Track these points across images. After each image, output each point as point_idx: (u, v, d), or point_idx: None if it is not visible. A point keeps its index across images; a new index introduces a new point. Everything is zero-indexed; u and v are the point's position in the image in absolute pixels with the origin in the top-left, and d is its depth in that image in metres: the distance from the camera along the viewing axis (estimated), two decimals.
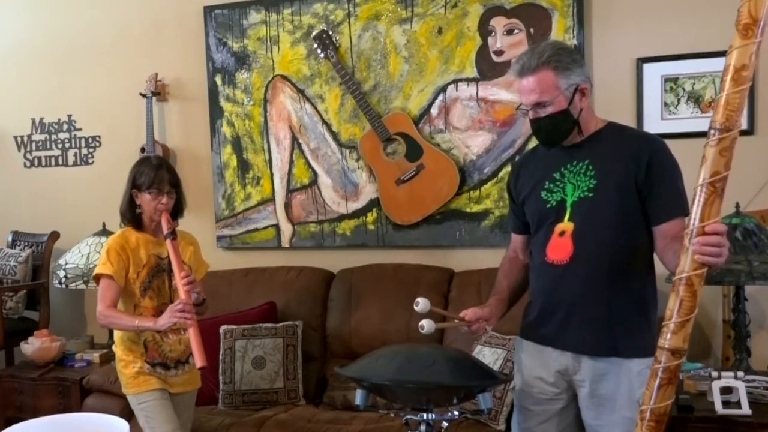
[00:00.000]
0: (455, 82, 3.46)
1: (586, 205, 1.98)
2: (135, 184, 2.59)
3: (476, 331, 2.10)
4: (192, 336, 2.37)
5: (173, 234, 2.53)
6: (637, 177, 1.93)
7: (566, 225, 2.01)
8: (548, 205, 2.05)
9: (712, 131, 1.49)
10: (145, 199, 2.57)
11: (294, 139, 3.76)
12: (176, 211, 2.65)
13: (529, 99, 1.98)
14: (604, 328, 1.96)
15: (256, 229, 3.85)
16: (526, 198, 2.14)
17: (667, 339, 1.55)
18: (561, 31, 3.27)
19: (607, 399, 1.97)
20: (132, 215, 2.61)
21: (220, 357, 3.22)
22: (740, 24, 1.45)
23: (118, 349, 2.63)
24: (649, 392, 1.58)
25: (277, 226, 3.81)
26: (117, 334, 2.64)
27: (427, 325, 1.97)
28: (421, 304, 2.01)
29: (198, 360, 2.34)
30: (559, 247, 2.01)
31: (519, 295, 2.23)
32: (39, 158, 4.38)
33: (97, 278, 2.56)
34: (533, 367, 2.10)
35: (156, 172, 2.56)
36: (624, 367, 1.94)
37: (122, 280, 2.53)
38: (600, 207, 1.96)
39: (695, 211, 1.53)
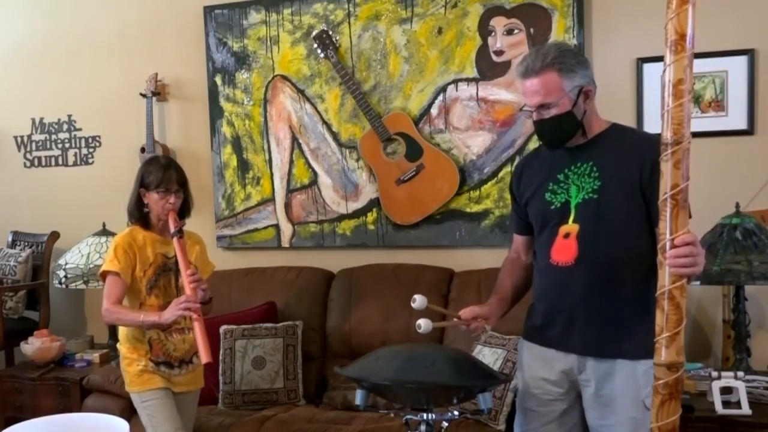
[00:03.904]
0: (455, 82, 3.46)
1: (591, 207, 1.98)
2: (143, 184, 2.60)
3: (474, 329, 2.10)
4: (197, 332, 2.38)
5: (180, 232, 2.55)
6: (642, 178, 1.92)
7: (571, 227, 2.01)
8: (552, 207, 2.05)
9: (663, 146, 1.52)
10: (152, 199, 2.58)
11: (294, 139, 3.76)
12: (183, 211, 2.66)
13: (533, 101, 1.98)
14: (609, 330, 1.96)
15: (256, 229, 3.85)
16: (529, 199, 2.13)
17: (661, 355, 1.56)
18: (561, 31, 3.27)
19: (613, 399, 1.97)
20: (140, 214, 2.62)
21: (220, 357, 3.22)
22: (669, 41, 1.50)
23: (122, 347, 2.63)
24: (654, 410, 1.58)
25: (277, 226, 3.81)
26: (122, 332, 2.64)
27: (424, 324, 1.96)
28: (418, 301, 2.01)
29: (204, 356, 2.35)
30: (564, 248, 2.01)
31: (521, 296, 2.23)
32: (39, 158, 4.38)
33: (104, 275, 2.57)
34: (537, 368, 2.10)
35: (164, 172, 2.57)
36: (630, 367, 1.94)
37: (129, 277, 2.54)
38: (605, 208, 1.96)
39: (663, 225, 1.55)
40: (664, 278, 1.56)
